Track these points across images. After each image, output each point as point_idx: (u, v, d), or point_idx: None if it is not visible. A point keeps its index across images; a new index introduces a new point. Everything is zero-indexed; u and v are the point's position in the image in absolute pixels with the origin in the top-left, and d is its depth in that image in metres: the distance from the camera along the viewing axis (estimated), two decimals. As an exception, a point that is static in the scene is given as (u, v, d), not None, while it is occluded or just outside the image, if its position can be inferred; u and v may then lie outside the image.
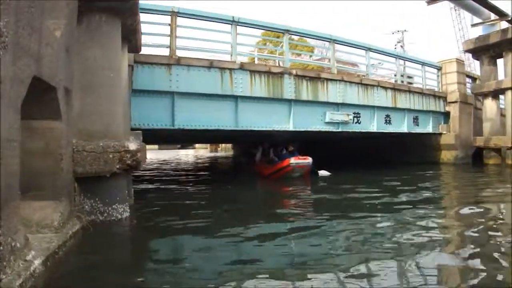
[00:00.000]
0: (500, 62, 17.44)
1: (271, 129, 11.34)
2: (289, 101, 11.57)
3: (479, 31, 17.36)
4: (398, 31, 46.80)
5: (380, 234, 4.58)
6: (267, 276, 3.16)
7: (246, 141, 22.07)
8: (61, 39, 3.99)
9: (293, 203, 7.52)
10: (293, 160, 11.46)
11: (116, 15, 5.41)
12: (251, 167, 14.60)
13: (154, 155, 36.07)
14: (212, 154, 38.62)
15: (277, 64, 14.94)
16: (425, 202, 7.03)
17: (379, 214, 5.70)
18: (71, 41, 4.45)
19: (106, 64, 5.25)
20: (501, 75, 17.33)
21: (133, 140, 6.65)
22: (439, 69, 18.00)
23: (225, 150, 47.78)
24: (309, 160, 11.71)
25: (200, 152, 49.11)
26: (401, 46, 46.26)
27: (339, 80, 12.67)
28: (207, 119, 10.31)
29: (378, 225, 5.05)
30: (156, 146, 55.08)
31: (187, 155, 38.16)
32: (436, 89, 17.66)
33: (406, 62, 16.93)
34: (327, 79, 12.36)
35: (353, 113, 13.23)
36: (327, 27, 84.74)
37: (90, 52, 5.14)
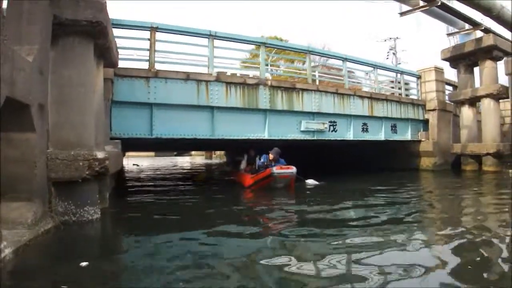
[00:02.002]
0: (476, 70, 18.05)
1: (246, 137, 12.07)
2: (264, 110, 12.33)
3: (456, 40, 18.18)
4: (390, 39, 47.18)
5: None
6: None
7: (226, 147, 23.05)
8: (34, 63, 4.72)
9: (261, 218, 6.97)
10: (275, 170, 10.39)
11: (88, 37, 6.14)
12: (233, 176, 14.00)
13: (150, 162, 36.82)
14: (206, 161, 39.13)
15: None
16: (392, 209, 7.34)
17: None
18: (45, 63, 5.19)
19: (79, 81, 5.96)
20: (478, 83, 17.88)
21: (109, 149, 7.44)
22: (418, 77, 18.66)
23: (220, 157, 48.41)
24: (293, 169, 10.58)
25: (196, 159, 49.79)
26: (394, 54, 46.68)
27: (314, 90, 13.41)
28: (184, 128, 11.08)
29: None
30: (152, 153, 55.93)
31: (183, 162, 38.74)
32: (416, 97, 18.29)
33: (383, 71, 17.66)
34: (302, 89, 13.13)
35: (329, 121, 13.94)
36: (321, 37, 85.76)
37: (64, 70, 5.86)
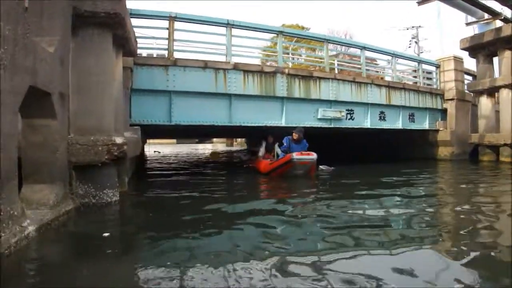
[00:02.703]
0: (496, 60, 17.89)
1: (263, 124, 12.31)
2: (281, 98, 12.52)
3: (476, 30, 18.03)
4: (412, 27, 46.72)
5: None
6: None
7: (245, 134, 23.37)
8: (55, 53, 4.98)
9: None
10: (294, 156, 10.03)
11: (106, 28, 6.38)
12: (251, 164, 13.83)
13: (171, 149, 37.37)
14: (228, 148, 39.49)
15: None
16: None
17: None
18: (65, 53, 5.45)
19: (98, 70, 6.24)
20: (497, 73, 17.75)
21: (128, 135, 7.73)
22: (437, 66, 18.62)
23: (241, 144, 48.77)
24: (313, 156, 10.21)
25: (217, 146, 50.33)
26: (416, 42, 46.28)
27: (332, 79, 13.54)
28: (202, 115, 11.36)
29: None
30: (174, 140, 56.66)
31: (203, 149, 39.21)
32: (435, 86, 18.30)
33: (403, 60, 17.73)
34: (320, 78, 13.25)
35: (346, 110, 14.05)
36: (340, 26, 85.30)
37: (84, 60, 6.13)
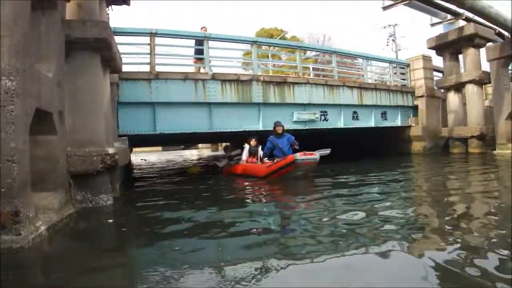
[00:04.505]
0: (461, 57, 18.98)
1: (242, 129, 13.11)
2: (258, 104, 13.35)
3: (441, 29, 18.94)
4: (389, 25, 47.71)
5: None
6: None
7: (226, 139, 24.26)
8: (54, 78, 5.78)
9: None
10: (298, 156, 9.75)
11: (95, 51, 7.20)
12: (227, 169, 12.79)
13: (157, 156, 37.90)
14: (213, 153, 40.06)
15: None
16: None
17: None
18: (61, 76, 6.26)
19: (89, 88, 7.03)
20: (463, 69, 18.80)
21: (117, 145, 8.52)
22: (407, 66, 19.57)
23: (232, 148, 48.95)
24: (317, 155, 10.04)
25: (203, 152, 50.81)
26: (393, 40, 47.40)
27: (305, 83, 14.42)
28: (184, 124, 12.14)
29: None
30: (159, 148, 57.08)
31: (187, 155, 39.77)
32: (407, 85, 19.25)
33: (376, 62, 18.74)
34: (293, 83, 14.12)
35: (320, 111, 14.92)
36: (320, 29, 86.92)
37: (76, 81, 6.91)
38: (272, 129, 12.08)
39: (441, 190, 7.76)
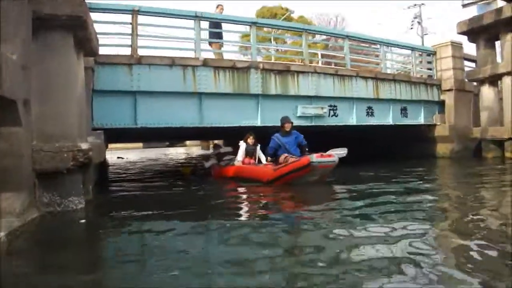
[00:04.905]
0: (498, 44, 18.69)
1: (237, 125, 13.24)
2: (256, 96, 13.50)
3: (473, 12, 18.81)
4: (414, 5, 47.73)
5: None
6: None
7: (219, 136, 24.20)
8: (18, 60, 5.89)
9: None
10: (315, 158, 9.41)
11: (68, 30, 7.30)
12: (216, 171, 12.99)
13: (137, 154, 38.03)
14: (203, 152, 40.07)
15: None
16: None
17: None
18: (27, 58, 6.37)
19: (60, 73, 7.15)
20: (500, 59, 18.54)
21: (91, 140, 8.65)
22: (433, 54, 19.56)
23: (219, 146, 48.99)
24: (335, 158, 9.77)
25: (192, 150, 50.93)
26: (419, 23, 47.59)
27: (312, 72, 14.53)
28: (170, 117, 12.27)
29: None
30: (140, 145, 57.26)
31: (173, 154, 39.85)
32: (432, 76, 19.32)
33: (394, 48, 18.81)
34: (298, 72, 14.24)
35: (329, 106, 15.07)
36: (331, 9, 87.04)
37: (45, 64, 7.03)
38: (271, 125, 12.61)
39: (472, 209, 6.81)
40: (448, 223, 5.88)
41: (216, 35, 13.84)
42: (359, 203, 7.49)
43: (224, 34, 14.53)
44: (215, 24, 13.64)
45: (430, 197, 8.15)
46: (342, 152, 10.31)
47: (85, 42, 8.26)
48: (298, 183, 9.78)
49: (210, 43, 13.98)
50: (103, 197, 9.31)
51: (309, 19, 48.17)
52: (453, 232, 5.22)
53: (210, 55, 13.37)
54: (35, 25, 6.79)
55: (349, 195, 8.72)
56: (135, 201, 8.80)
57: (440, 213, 6.75)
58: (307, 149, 10.87)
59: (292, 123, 11.21)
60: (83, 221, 6.44)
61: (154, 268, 4.05)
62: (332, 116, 15.28)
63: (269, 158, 11.31)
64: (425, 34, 46.41)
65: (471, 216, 5.97)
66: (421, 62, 19.15)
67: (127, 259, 4.48)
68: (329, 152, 10.00)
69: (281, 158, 10.68)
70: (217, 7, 14.48)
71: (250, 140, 11.97)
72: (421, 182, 10.61)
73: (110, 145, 26.11)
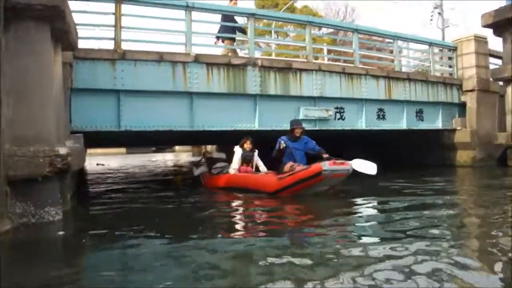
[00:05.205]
0: None
1: (232, 128, 13.32)
2: (253, 96, 13.61)
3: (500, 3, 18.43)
4: (434, -6, 47.70)
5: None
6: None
7: (211, 141, 24.15)
8: (-13, 54, 6.06)
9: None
10: (327, 166, 9.32)
11: (44, 22, 7.39)
12: (206, 179, 13.05)
13: (119, 160, 38.05)
14: (194, 159, 40.01)
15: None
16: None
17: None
18: (-2, 53, 6.51)
19: (35, 70, 7.25)
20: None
21: (70, 144, 8.77)
22: (454, 49, 19.55)
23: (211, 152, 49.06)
24: (349, 166, 9.73)
25: (181, 157, 50.87)
26: (439, 14, 47.54)
27: (316, 70, 14.64)
28: (158, 119, 12.32)
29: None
30: (123, 150, 57.32)
31: (165, 160, 39.96)
32: (452, 75, 19.37)
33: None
34: (300, 69, 14.34)
35: (335, 108, 15.20)
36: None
37: (19, 59, 7.11)
38: (270, 129, 13.01)
39: (496, 226, 6.71)
40: (471, 243, 5.87)
41: (230, 29, 13.99)
42: (371, 219, 7.65)
43: (217, 27, 14.68)
44: (229, 18, 13.78)
45: (449, 213, 8.09)
46: (369, 167, 10.26)
47: (63, 35, 8.34)
48: (304, 194, 9.80)
49: (222, 39, 14.12)
50: (81, 208, 9.45)
51: (315, 9, 48.23)
52: (476, 253, 5.25)
53: (203, 51, 13.47)
54: (7, 16, 6.84)
55: (359, 210, 8.80)
56: (117, 213, 8.86)
57: (460, 232, 6.64)
58: (325, 155, 10.38)
59: (303, 128, 11.15)
60: (61, 232, 6.59)
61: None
62: (338, 119, 15.38)
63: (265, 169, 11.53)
64: (446, 27, 46.35)
65: (495, 236, 5.89)
66: (441, 58, 19.12)
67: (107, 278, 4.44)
68: (354, 162, 9.92)
69: (286, 166, 10.45)
70: (230, 0, 14.63)
71: (247, 146, 11.87)
72: (439, 195, 10.44)
73: (89, 150, 26.14)
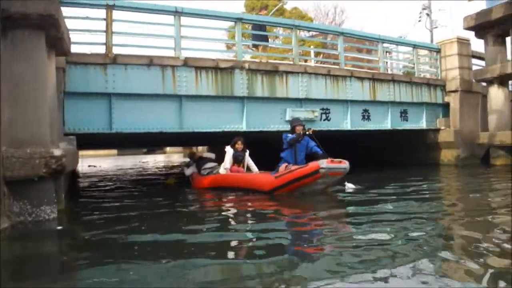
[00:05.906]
0: (509, 41, 18.90)
1: (220, 130, 13.66)
2: (241, 98, 13.95)
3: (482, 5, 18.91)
4: (423, -6, 47.95)
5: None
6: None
7: (200, 142, 24.35)
8: (-15, 61, 6.40)
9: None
10: (325, 164, 9.44)
11: (39, 30, 7.73)
12: (205, 182, 12.72)
13: (111, 162, 38.16)
14: (184, 160, 40.07)
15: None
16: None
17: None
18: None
19: (31, 75, 7.58)
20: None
21: (63, 146, 9.10)
22: (437, 51, 19.95)
23: (201, 153, 48.92)
24: (346, 165, 9.76)
25: (173, 158, 50.98)
26: (427, 14, 47.77)
27: (302, 73, 14.99)
28: (148, 121, 12.67)
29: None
30: (114, 151, 57.42)
31: (156, 161, 40.11)
32: (435, 76, 19.79)
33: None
34: (287, 72, 14.69)
35: (321, 109, 15.54)
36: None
37: (15, 66, 7.44)
38: (257, 130, 13.32)
39: (480, 224, 6.77)
40: (456, 241, 5.92)
41: (263, 38, 14.57)
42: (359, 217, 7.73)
43: (206, 31, 15.04)
44: (260, 27, 14.39)
45: (433, 211, 8.16)
46: (353, 186, 10.96)
47: (57, 42, 8.69)
48: (300, 193, 10.05)
49: (257, 47, 14.51)
50: (75, 206, 9.81)
51: (304, 11, 48.47)
52: (460, 250, 5.30)
53: (191, 54, 13.69)
54: (4, 24, 7.24)
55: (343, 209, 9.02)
56: (110, 212, 9.13)
57: (446, 230, 6.64)
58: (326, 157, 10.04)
59: (304, 126, 11.14)
60: (54, 238, 6.88)
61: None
62: (324, 120, 15.74)
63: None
64: (434, 28, 46.61)
65: (479, 233, 5.94)
66: (430, 59, 19.45)
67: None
68: (343, 160, 9.91)
69: (282, 167, 10.54)
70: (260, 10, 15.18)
71: (239, 146, 12.14)
72: (423, 194, 10.67)
73: (80, 152, 26.34)
